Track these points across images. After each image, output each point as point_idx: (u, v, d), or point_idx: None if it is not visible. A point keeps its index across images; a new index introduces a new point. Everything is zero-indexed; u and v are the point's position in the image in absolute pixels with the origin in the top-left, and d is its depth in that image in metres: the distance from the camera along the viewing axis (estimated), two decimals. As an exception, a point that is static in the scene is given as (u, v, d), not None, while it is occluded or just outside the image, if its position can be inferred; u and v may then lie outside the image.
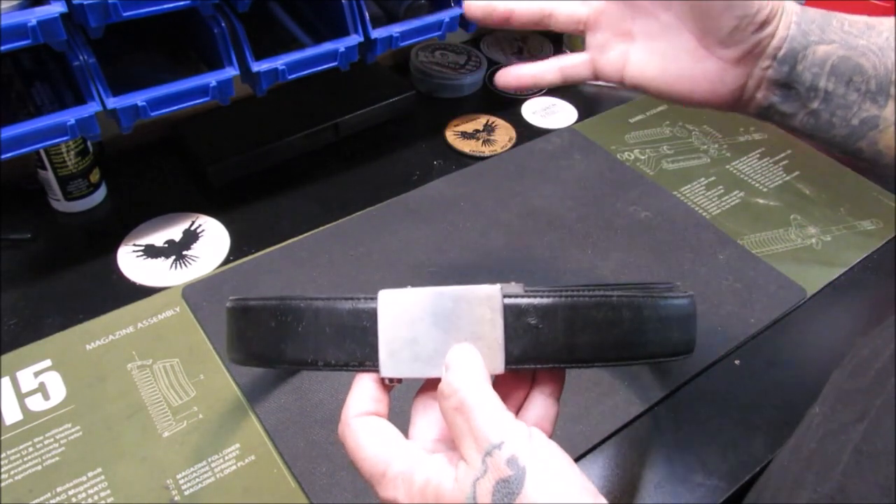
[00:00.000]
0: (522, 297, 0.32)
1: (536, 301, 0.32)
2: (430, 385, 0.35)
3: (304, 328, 0.33)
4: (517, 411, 0.35)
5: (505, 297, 0.32)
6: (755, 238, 0.70)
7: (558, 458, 0.29)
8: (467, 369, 0.31)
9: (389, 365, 0.32)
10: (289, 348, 0.34)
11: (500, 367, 0.32)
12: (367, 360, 0.33)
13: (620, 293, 0.33)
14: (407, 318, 0.32)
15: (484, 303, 0.32)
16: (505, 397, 0.33)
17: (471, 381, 0.30)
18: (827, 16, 0.38)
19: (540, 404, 0.35)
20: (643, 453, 0.52)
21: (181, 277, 0.64)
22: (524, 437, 0.29)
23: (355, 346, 0.33)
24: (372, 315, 0.32)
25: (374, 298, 0.32)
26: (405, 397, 0.38)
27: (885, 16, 0.75)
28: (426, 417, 0.34)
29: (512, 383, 0.35)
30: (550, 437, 0.32)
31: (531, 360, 0.32)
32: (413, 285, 0.33)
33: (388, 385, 0.34)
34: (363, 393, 0.33)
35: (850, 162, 0.81)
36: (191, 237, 0.68)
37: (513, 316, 0.32)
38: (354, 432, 0.32)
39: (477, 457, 0.29)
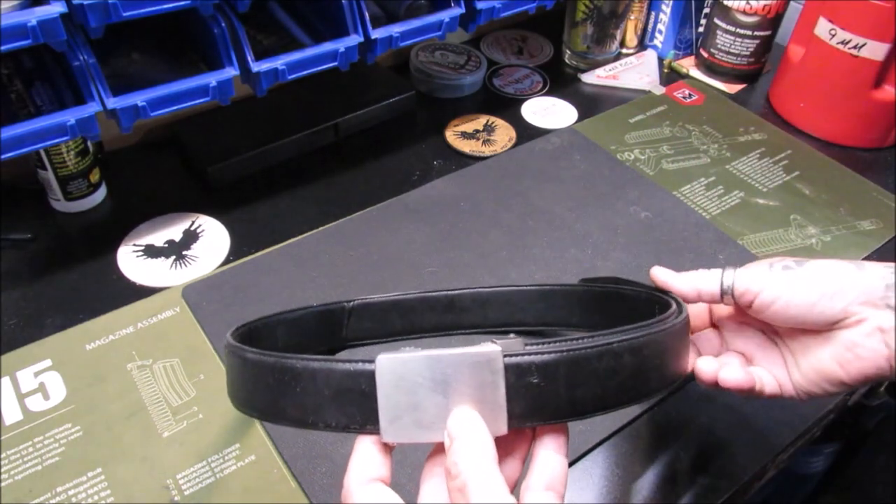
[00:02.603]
0: (523, 355, 0.31)
1: (538, 359, 0.31)
2: (439, 449, 0.34)
3: (303, 389, 0.32)
4: (523, 462, 0.35)
5: (505, 356, 0.31)
6: (755, 238, 0.70)
7: None
8: (471, 446, 0.30)
9: (391, 430, 0.32)
10: (288, 408, 0.33)
11: (503, 428, 0.31)
12: (367, 423, 0.32)
13: (621, 338, 0.32)
14: (406, 383, 0.31)
15: (484, 366, 0.31)
16: (508, 450, 0.34)
17: (474, 460, 0.30)
18: None
19: (549, 463, 0.34)
20: (643, 453, 0.52)
21: (181, 277, 0.64)
22: None
23: (355, 410, 0.32)
24: (370, 379, 0.31)
25: (373, 361, 0.31)
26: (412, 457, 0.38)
27: (884, 16, 0.75)
28: (433, 483, 0.33)
29: (514, 435, 0.35)
30: (563, 496, 0.32)
31: (534, 418, 0.32)
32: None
33: (392, 445, 0.33)
34: (366, 457, 0.32)
35: (849, 162, 0.81)
36: (191, 237, 0.68)
37: (514, 376, 0.31)
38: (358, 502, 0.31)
39: None
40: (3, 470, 0.49)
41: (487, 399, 0.31)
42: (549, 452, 0.34)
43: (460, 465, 0.30)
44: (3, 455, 0.50)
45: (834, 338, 0.40)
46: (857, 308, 0.38)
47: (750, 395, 0.43)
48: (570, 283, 0.52)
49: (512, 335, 0.33)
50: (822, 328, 0.40)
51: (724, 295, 0.42)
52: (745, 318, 0.45)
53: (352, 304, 0.51)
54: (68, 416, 0.52)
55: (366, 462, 0.32)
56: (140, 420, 0.52)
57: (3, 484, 0.48)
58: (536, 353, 0.31)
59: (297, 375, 0.32)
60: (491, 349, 0.31)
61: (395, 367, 0.31)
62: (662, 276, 0.45)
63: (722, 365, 0.42)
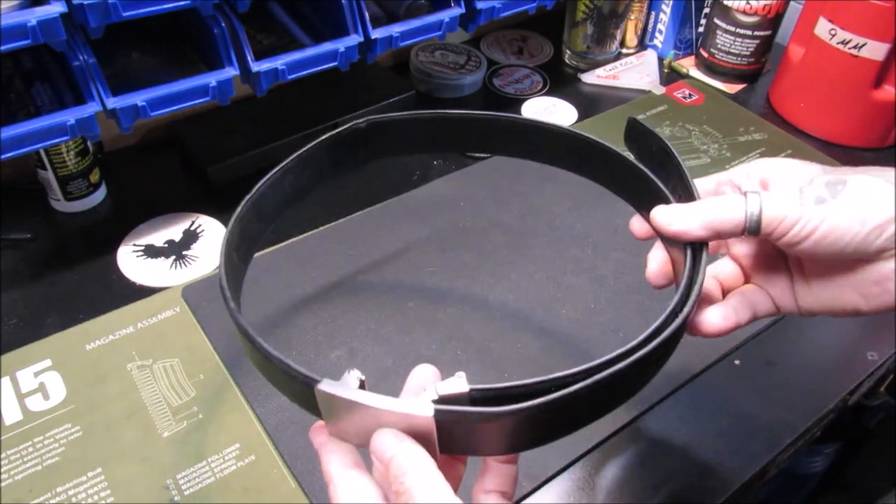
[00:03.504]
0: (460, 413, 0.29)
1: (475, 414, 0.29)
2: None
3: (271, 366, 0.33)
4: (464, 462, 0.35)
5: (438, 411, 0.29)
6: (755, 238, 0.70)
7: None
8: (407, 460, 0.29)
9: (335, 433, 0.33)
10: (264, 372, 0.35)
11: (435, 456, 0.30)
12: (318, 416, 0.33)
13: (581, 385, 0.29)
14: (341, 415, 0.31)
15: (417, 426, 0.30)
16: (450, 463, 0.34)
17: (418, 474, 0.29)
18: None
19: (496, 472, 0.34)
20: (643, 453, 0.52)
21: (181, 277, 0.64)
22: None
23: (307, 405, 0.33)
24: (312, 394, 0.31)
25: (317, 381, 0.31)
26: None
27: (884, 16, 0.75)
28: (336, 457, 0.33)
29: None
30: (512, 497, 0.32)
31: (469, 454, 0.32)
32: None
33: None
34: (337, 446, 0.33)
35: (849, 162, 0.81)
36: (191, 237, 0.68)
37: (448, 427, 0.30)
38: (335, 493, 0.32)
39: None
40: (3, 470, 0.49)
41: (418, 441, 0.30)
42: (497, 464, 0.34)
43: (407, 482, 0.29)
44: (3, 455, 0.50)
45: (862, 270, 0.36)
46: None
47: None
48: (603, 143, 0.45)
49: (461, 373, 0.30)
50: (854, 261, 0.36)
51: (748, 231, 0.36)
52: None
53: (366, 121, 0.47)
54: (68, 416, 0.52)
55: (338, 451, 0.33)
56: (140, 420, 0.52)
57: (3, 484, 0.48)
58: (476, 414, 0.29)
59: (267, 355, 0.32)
60: (423, 412, 0.29)
61: (331, 399, 0.31)
62: (672, 223, 0.37)
63: (699, 312, 0.39)
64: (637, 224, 0.42)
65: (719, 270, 0.43)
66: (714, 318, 0.39)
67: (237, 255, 0.40)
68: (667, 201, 0.39)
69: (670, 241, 0.39)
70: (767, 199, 0.36)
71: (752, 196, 0.36)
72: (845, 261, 0.36)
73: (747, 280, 0.42)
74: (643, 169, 0.41)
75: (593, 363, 0.30)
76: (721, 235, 0.37)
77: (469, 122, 0.49)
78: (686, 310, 0.34)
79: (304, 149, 0.44)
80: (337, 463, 0.32)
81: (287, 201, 0.44)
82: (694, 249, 0.37)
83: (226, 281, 0.36)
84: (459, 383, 0.30)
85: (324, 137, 0.44)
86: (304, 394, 0.32)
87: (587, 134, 0.45)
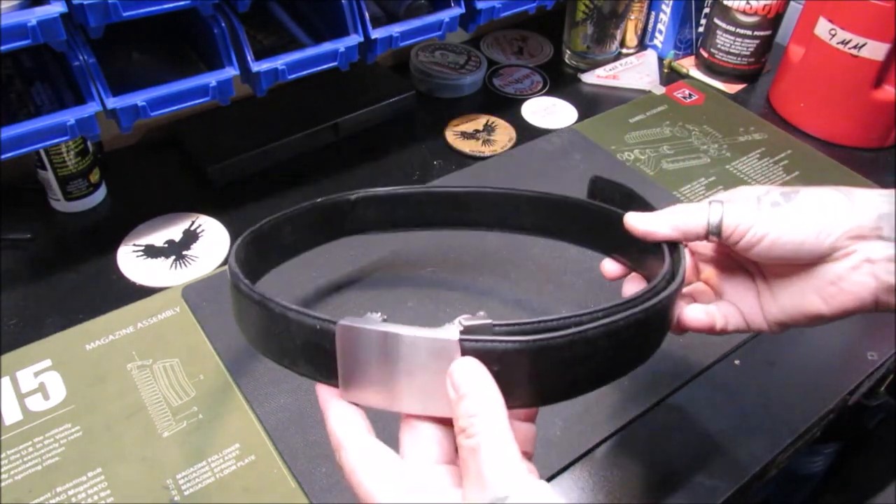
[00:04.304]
0: (484, 341, 0.30)
1: (500, 346, 0.29)
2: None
3: (279, 332, 0.32)
4: None
5: (465, 341, 0.29)
6: (755, 238, 0.70)
7: None
8: (484, 404, 0.29)
9: (349, 392, 0.32)
10: (270, 345, 0.34)
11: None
12: (331, 378, 0.32)
13: (598, 323, 0.30)
14: (363, 354, 0.31)
15: (439, 352, 0.30)
16: None
17: (487, 419, 0.29)
18: None
19: (516, 431, 0.33)
20: (643, 453, 0.52)
21: (181, 277, 0.64)
22: (531, 494, 0.28)
23: (320, 364, 0.32)
24: (332, 339, 0.31)
25: (335, 322, 0.31)
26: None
27: (884, 16, 0.75)
28: (413, 438, 0.33)
29: None
30: (531, 457, 0.32)
31: None
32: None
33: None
34: (344, 413, 0.32)
35: (849, 162, 0.81)
36: (191, 237, 0.68)
37: None
38: (349, 460, 0.31)
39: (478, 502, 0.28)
40: (3, 470, 0.49)
41: (441, 382, 0.30)
42: (517, 422, 0.34)
43: (477, 426, 0.29)
44: (3, 455, 0.50)
45: (818, 272, 0.38)
46: (846, 241, 0.37)
47: (710, 333, 0.42)
48: (579, 198, 0.49)
49: (482, 312, 0.31)
50: (807, 263, 0.39)
51: (710, 235, 0.40)
52: (718, 247, 0.44)
53: (355, 195, 0.51)
54: (68, 416, 0.52)
55: (346, 419, 0.32)
56: (140, 420, 0.52)
57: (3, 484, 0.48)
58: (498, 341, 0.30)
59: (275, 319, 0.32)
60: (448, 335, 0.30)
61: (353, 336, 0.30)
62: (641, 223, 0.41)
63: (683, 306, 0.42)
64: (609, 265, 0.46)
65: (692, 289, 0.45)
66: (696, 312, 0.42)
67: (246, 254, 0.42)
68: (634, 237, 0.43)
69: (645, 254, 0.43)
70: (729, 206, 0.39)
71: (715, 204, 0.40)
72: (801, 261, 0.39)
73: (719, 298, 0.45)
74: (615, 210, 0.45)
75: (610, 304, 0.32)
76: (687, 237, 0.40)
77: (453, 196, 0.52)
78: (678, 277, 0.37)
79: (295, 207, 0.48)
80: (348, 426, 0.32)
81: (280, 244, 0.47)
82: (670, 248, 0.40)
83: (235, 262, 0.37)
84: (482, 318, 0.31)
85: (316, 201, 0.49)
86: (318, 350, 0.31)
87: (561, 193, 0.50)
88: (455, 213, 0.52)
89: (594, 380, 0.32)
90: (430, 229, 0.53)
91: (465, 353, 0.30)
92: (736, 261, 0.43)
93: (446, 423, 0.32)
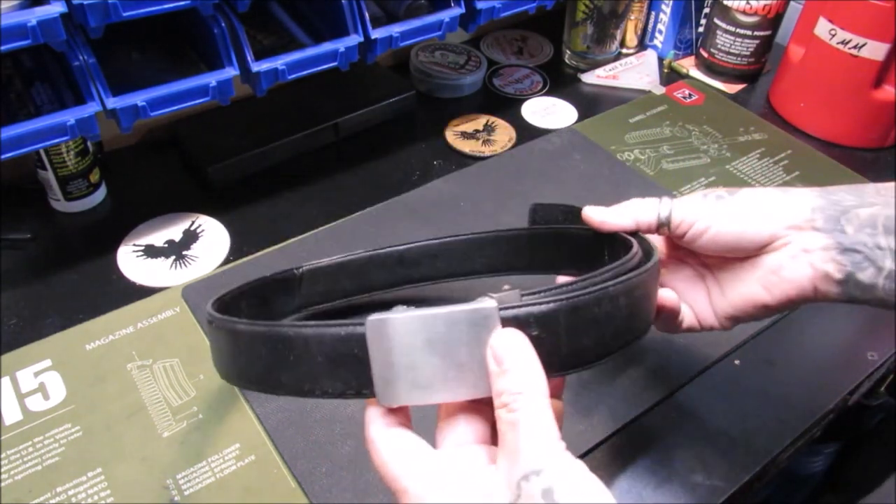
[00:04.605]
0: (521, 307, 0.30)
1: (536, 310, 0.30)
2: (448, 410, 0.34)
3: (296, 357, 0.31)
4: None
5: (501, 309, 0.29)
6: (755, 238, 0.70)
7: (596, 496, 0.29)
8: (527, 377, 0.29)
9: (387, 394, 0.30)
10: (284, 377, 0.32)
11: None
12: (363, 388, 0.31)
13: (615, 281, 0.32)
14: (399, 345, 0.30)
15: (480, 322, 0.29)
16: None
17: (530, 394, 0.29)
18: (857, 187, 0.40)
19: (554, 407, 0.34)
20: (643, 453, 0.52)
21: (181, 277, 0.64)
22: (565, 470, 0.28)
23: (349, 375, 0.30)
24: (362, 342, 0.30)
25: (363, 324, 0.29)
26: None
27: (884, 16, 0.75)
28: (450, 428, 0.33)
29: None
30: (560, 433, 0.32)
31: None
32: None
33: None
34: (379, 411, 0.32)
35: (849, 162, 0.81)
36: (191, 237, 0.68)
37: None
38: (376, 449, 0.31)
39: (514, 477, 0.28)
40: (3, 470, 0.49)
41: (481, 358, 0.30)
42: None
43: (520, 401, 0.29)
44: (3, 455, 0.50)
45: (760, 262, 0.41)
46: (784, 231, 0.40)
47: (668, 327, 0.45)
48: (516, 227, 0.52)
49: (507, 286, 0.31)
50: (750, 254, 0.41)
51: (661, 226, 0.43)
52: (674, 252, 0.47)
53: (301, 269, 0.51)
54: (68, 416, 0.52)
55: (381, 414, 0.32)
56: (140, 420, 0.52)
57: (3, 484, 0.48)
58: (534, 304, 0.30)
59: (290, 343, 0.31)
60: (486, 304, 0.30)
61: (386, 328, 0.29)
62: (598, 214, 0.45)
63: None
64: (561, 280, 0.48)
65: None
66: (668, 292, 0.44)
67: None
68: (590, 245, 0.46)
69: (595, 262, 0.46)
70: (677, 201, 0.43)
71: (665, 199, 0.44)
72: (743, 252, 0.41)
73: None
74: (560, 226, 0.48)
75: (607, 267, 0.34)
76: (640, 227, 0.44)
77: (398, 256, 0.54)
78: (655, 251, 0.40)
79: (253, 282, 0.49)
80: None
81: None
82: (634, 237, 0.43)
83: (216, 311, 0.37)
84: (512, 293, 0.31)
85: (266, 278, 0.50)
86: (346, 359, 0.30)
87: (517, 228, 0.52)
88: (402, 270, 0.54)
89: (620, 340, 0.33)
90: (380, 292, 0.55)
91: (503, 323, 0.30)
92: (687, 264, 0.46)
93: (482, 411, 0.32)
